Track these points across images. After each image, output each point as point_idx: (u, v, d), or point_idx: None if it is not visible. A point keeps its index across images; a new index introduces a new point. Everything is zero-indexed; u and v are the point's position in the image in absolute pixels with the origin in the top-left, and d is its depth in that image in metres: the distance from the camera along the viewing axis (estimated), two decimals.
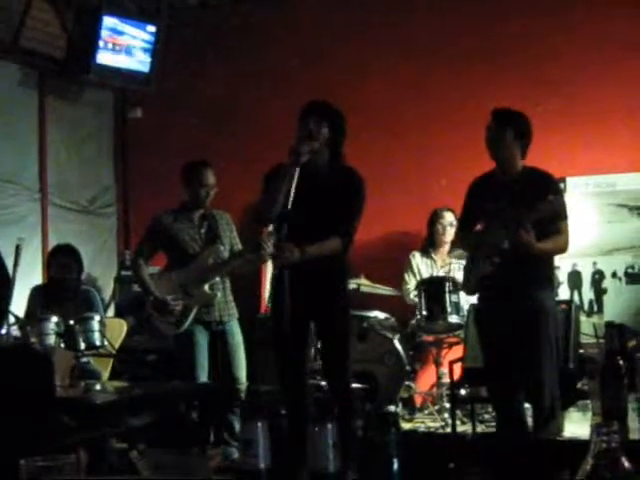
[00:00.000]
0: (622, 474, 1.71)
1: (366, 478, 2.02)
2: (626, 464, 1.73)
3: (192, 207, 6.90)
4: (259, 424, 2.06)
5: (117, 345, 7.31)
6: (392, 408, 7.31)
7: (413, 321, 7.83)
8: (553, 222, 5.56)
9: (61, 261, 7.44)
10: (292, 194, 5.32)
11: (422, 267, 8.27)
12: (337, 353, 5.69)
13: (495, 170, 5.79)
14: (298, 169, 5.37)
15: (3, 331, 5.82)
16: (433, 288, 7.55)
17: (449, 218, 8.04)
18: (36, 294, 7.39)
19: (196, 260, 6.81)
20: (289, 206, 5.29)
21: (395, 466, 1.91)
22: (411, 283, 8.19)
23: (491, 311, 5.74)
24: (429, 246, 8.33)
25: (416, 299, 7.75)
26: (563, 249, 5.74)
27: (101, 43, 8.84)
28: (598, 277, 8.42)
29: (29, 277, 7.65)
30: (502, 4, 8.87)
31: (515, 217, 5.42)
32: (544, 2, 8.76)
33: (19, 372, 2.88)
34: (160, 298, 6.75)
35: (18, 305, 7.08)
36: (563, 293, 8.36)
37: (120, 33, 8.99)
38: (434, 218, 8.25)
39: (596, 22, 8.53)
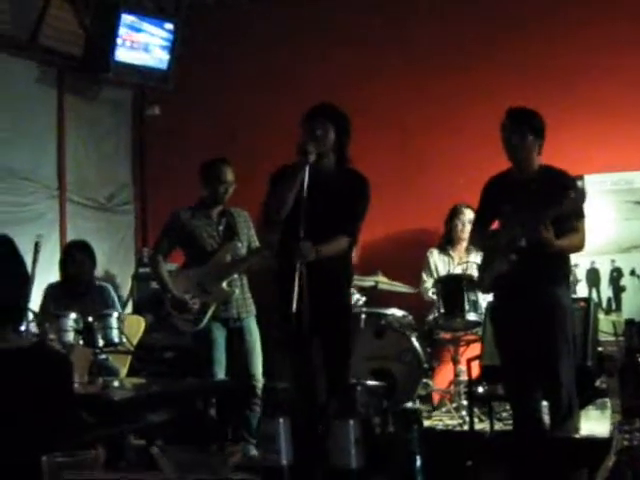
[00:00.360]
0: None
1: (388, 475, 2.02)
2: None
3: (210, 204, 6.91)
4: (280, 420, 2.06)
5: (135, 342, 7.32)
6: (410, 405, 7.32)
7: (430, 318, 7.82)
8: (570, 220, 5.56)
9: (76, 257, 7.48)
10: (305, 193, 5.36)
11: (439, 264, 8.27)
12: (338, 352, 5.70)
13: (511, 169, 5.78)
14: (307, 169, 5.42)
15: (22, 328, 5.84)
16: (451, 286, 7.55)
17: (469, 215, 8.02)
18: (51, 292, 7.42)
19: (214, 257, 6.82)
20: (302, 206, 5.34)
21: (418, 463, 1.92)
22: (429, 282, 8.19)
23: (507, 309, 5.73)
24: (447, 243, 8.33)
25: (434, 297, 7.75)
26: (579, 247, 5.74)
27: (119, 41, 8.86)
28: (616, 275, 8.40)
29: (47, 274, 7.68)
30: (509, 4, 8.85)
31: (534, 214, 5.41)
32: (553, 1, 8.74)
33: (38, 371, 2.89)
34: (178, 296, 6.77)
35: (36, 302, 7.11)
36: (581, 291, 8.34)
37: (138, 31, 9.01)
38: (453, 214, 8.25)
39: (611, 19, 8.50)
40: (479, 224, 6.04)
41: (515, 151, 5.65)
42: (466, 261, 7.98)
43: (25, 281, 3.13)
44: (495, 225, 6.01)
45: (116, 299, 7.61)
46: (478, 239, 6.16)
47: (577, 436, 3.69)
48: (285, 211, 5.52)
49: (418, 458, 1.93)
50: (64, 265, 7.56)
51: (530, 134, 5.63)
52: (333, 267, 5.60)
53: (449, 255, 8.28)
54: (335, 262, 5.61)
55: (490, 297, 6.41)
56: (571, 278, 7.88)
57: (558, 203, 5.42)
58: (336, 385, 5.62)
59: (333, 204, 5.57)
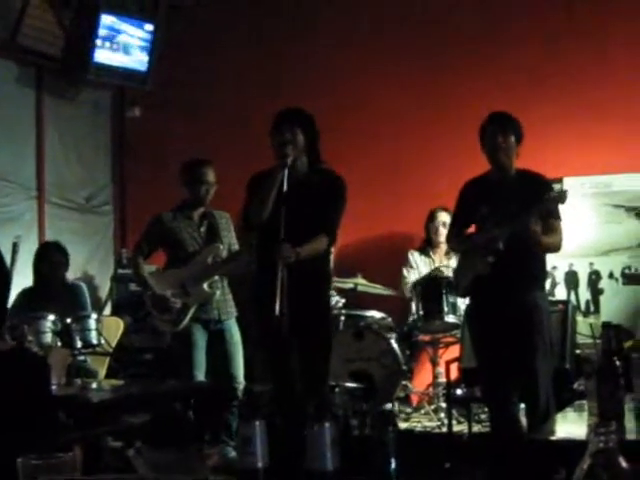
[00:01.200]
0: (619, 474, 1.71)
1: (365, 476, 2.03)
2: (623, 464, 1.73)
3: (192, 205, 6.91)
4: (257, 423, 2.06)
5: (114, 344, 7.30)
6: (389, 407, 7.32)
7: (410, 320, 7.83)
8: (548, 220, 5.59)
9: (53, 259, 7.45)
10: (283, 196, 5.43)
11: (420, 264, 8.29)
12: (317, 354, 5.70)
13: (489, 172, 5.79)
14: (286, 171, 5.47)
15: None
16: (430, 288, 7.56)
17: (443, 217, 8.05)
18: (24, 297, 7.38)
19: (195, 258, 6.81)
20: (282, 208, 5.38)
21: (393, 464, 1.92)
22: (410, 277, 8.21)
23: (484, 311, 5.75)
24: (427, 246, 8.35)
25: (414, 298, 7.77)
26: (558, 247, 5.77)
27: (99, 41, 8.84)
28: (595, 277, 8.43)
29: (25, 275, 7.65)
30: (501, 6, 8.88)
31: (519, 212, 5.44)
32: (543, 4, 8.76)
33: (15, 373, 2.88)
34: (159, 293, 6.76)
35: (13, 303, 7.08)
36: (560, 293, 8.37)
37: (118, 31, 8.99)
38: (429, 218, 8.29)
39: (593, 23, 8.54)
40: (456, 226, 6.05)
41: (498, 151, 5.67)
42: (446, 265, 7.99)
43: (5, 282, 3.13)
44: (472, 228, 6.03)
45: (88, 299, 7.59)
46: (455, 242, 6.18)
47: (555, 438, 3.70)
48: (265, 215, 5.55)
49: (393, 460, 1.93)
50: (38, 265, 7.51)
51: (513, 136, 5.67)
52: (312, 268, 5.61)
53: (430, 257, 8.31)
54: (314, 263, 5.62)
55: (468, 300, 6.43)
56: (549, 280, 7.93)
57: (541, 201, 5.47)
58: (314, 387, 5.62)
59: (310, 205, 5.60)
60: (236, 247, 6.96)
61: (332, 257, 6.45)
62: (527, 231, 5.45)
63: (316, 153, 5.77)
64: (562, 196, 5.53)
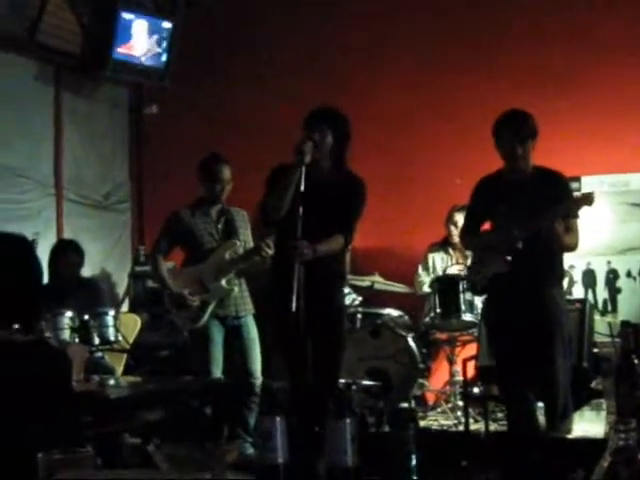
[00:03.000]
0: (639, 472, 1.71)
1: (383, 473, 2.03)
2: None
3: (209, 202, 6.91)
4: (277, 419, 2.07)
5: (131, 340, 7.33)
6: (405, 405, 7.32)
7: (427, 318, 7.83)
8: (566, 220, 5.57)
9: (70, 259, 7.46)
10: (301, 193, 5.41)
11: (437, 261, 8.28)
12: (331, 351, 5.71)
13: (504, 170, 5.74)
14: (303, 169, 5.44)
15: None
16: (447, 286, 7.55)
17: (457, 218, 7.99)
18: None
19: (213, 255, 6.82)
20: (299, 205, 5.37)
21: (413, 462, 1.92)
22: (424, 276, 8.21)
23: (502, 310, 5.72)
24: (447, 243, 8.31)
25: (428, 291, 7.78)
26: (576, 246, 5.74)
27: (117, 39, 8.86)
28: (612, 276, 8.41)
29: (44, 272, 7.66)
30: (515, 4, 8.86)
31: (538, 212, 5.42)
32: (556, 1, 8.75)
33: (37, 367, 2.89)
34: (177, 292, 6.77)
35: None
36: (577, 292, 8.36)
37: (136, 29, 9.01)
38: (447, 217, 8.25)
39: (609, 21, 8.52)
40: (470, 225, 6.01)
41: (517, 160, 5.61)
42: (463, 262, 7.97)
43: (35, 282, 3.15)
44: (486, 225, 6.00)
45: (105, 295, 7.61)
46: (468, 238, 6.14)
47: (572, 437, 3.70)
48: (282, 210, 5.54)
49: (414, 457, 1.93)
50: (54, 264, 7.49)
51: (530, 139, 5.61)
52: (327, 266, 5.61)
53: (448, 254, 8.29)
54: (329, 261, 5.63)
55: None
56: (567, 279, 7.92)
57: (566, 202, 5.46)
58: (327, 384, 5.63)
59: (329, 206, 5.59)
60: (252, 244, 6.97)
61: (348, 256, 6.44)
62: (550, 231, 5.42)
63: (341, 156, 5.75)
64: (590, 198, 5.48)
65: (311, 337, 5.57)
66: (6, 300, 2.98)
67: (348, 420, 2.02)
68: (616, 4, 8.54)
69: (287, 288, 5.30)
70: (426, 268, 8.30)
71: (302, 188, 5.43)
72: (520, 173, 5.65)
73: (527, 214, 5.47)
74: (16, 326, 2.94)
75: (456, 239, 8.03)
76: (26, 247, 3.13)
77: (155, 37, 9.18)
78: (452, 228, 8.11)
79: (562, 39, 8.63)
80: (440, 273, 8.05)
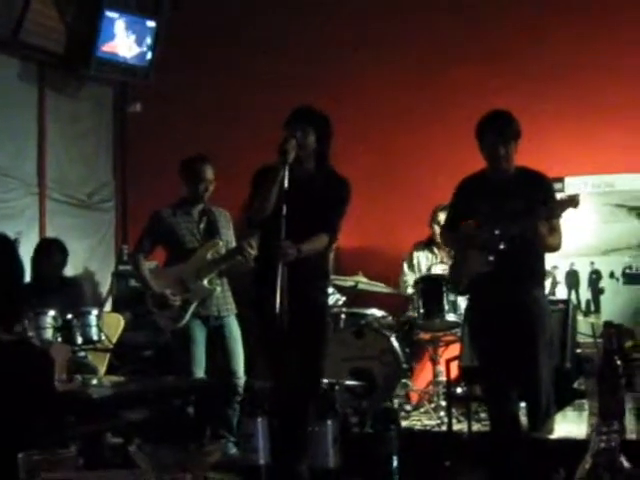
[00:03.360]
0: (621, 474, 1.71)
1: (365, 474, 2.03)
2: (625, 464, 1.73)
3: (191, 202, 6.91)
4: (259, 420, 2.06)
5: (114, 340, 7.30)
6: (388, 406, 7.32)
7: (410, 318, 7.84)
8: (549, 221, 5.58)
9: (53, 258, 7.44)
10: (285, 194, 5.42)
11: (422, 260, 8.28)
12: (313, 350, 5.71)
13: (486, 170, 5.74)
14: (286, 168, 5.45)
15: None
16: (431, 286, 7.56)
17: (440, 217, 7.99)
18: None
19: (195, 255, 6.81)
20: (283, 205, 5.37)
21: (395, 463, 1.92)
22: (409, 276, 8.21)
23: (485, 310, 5.73)
24: (432, 243, 8.31)
25: (412, 290, 7.78)
26: (558, 247, 5.75)
27: (101, 37, 8.84)
28: (595, 277, 8.44)
29: (26, 271, 7.64)
30: (504, 7, 8.88)
31: (525, 213, 5.42)
32: (543, 7, 8.76)
33: (19, 366, 2.87)
34: (159, 292, 6.76)
35: None
36: (560, 292, 8.37)
37: (120, 27, 8.99)
38: (431, 218, 8.25)
39: (595, 23, 8.54)
40: (451, 224, 6.01)
41: (500, 160, 5.62)
42: (447, 262, 7.97)
43: (19, 276, 3.13)
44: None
45: (86, 294, 7.59)
46: (448, 237, 6.14)
47: (554, 437, 3.70)
48: (267, 211, 5.54)
49: (395, 458, 1.93)
50: (37, 263, 7.46)
51: (513, 141, 5.62)
52: (311, 266, 5.61)
53: (433, 253, 8.29)
54: (313, 261, 5.63)
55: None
56: (550, 280, 7.93)
57: (552, 203, 5.47)
58: (310, 384, 5.63)
59: (313, 206, 5.59)
60: (234, 244, 6.96)
61: (331, 256, 6.44)
62: (533, 232, 5.43)
63: (324, 155, 5.76)
64: (575, 201, 5.48)
65: (294, 337, 5.57)
66: None
67: (330, 422, 2.01)
68: (606, 8, 8.55)
69: (271, 289, 5.30)
70: (411, 267, 8.31)
71: (286, 187, 5.44)
72: (503, 173, 5.65)
73: (509, 215, 5.48)
74: None
75: (437, 237, 8.04)
76: (7, 246, 3.12)
77: (139, 36, 9.16)
78: (436, 227, 8.10)
79: (550, 39, 8.64)
80: (425, 272, 8.06)
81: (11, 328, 3.02)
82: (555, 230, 5.61)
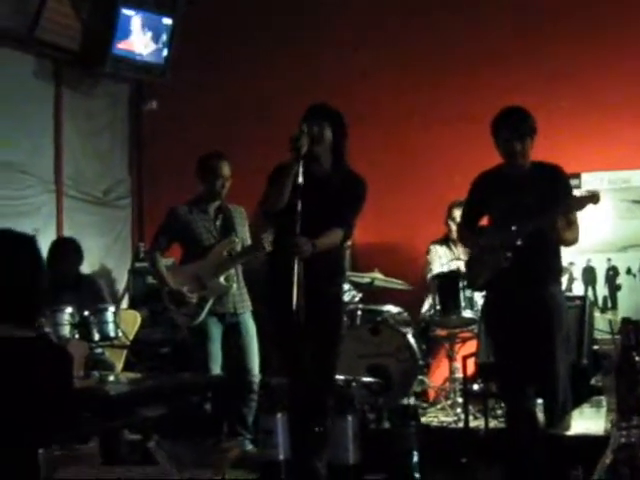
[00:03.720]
0: None
1: (385, 469, 2.03)
2: None
3: (208, 199, 6.91)
4: (278, 416, 2.06)
5: (131, 337, 7.32)
6: (407, 402, 7.32)
7: (427, 314, 7.83)
8: (567, 216, 5.56)
9: (69, 258, 7.45)
10: (299, 189, 5.45)
11: (442, 254, 8.27)
12: (328, 346, 5.72)
13: (502, 165, 5.72)
14: (300, 163, 5.49)
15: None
16: (447, 283, 7.54)
17: (456, 214, 7.96)
18: None
19: (211, 252, 6.82)
20: (297, 201, 5.39)
21: (415, 458, 1.92)
22: (434, 266, 8.16)
23: (502, 306, 5.71)
24: (449, 240, 8.30)
25: (430, 293, 7.76)
26: (576, 241, 5.72)
27: (117, 35, 8.85)
28: (612, 273, 8.41)
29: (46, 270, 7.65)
30: (512, 2, 8.86)
31: (543, 208, 5.40)
32: (556, 2, 8.74)
33: (39, 362, 2.89)
34: (176, 289, 6.77)
35: None
36: (577, 289, 8.35)
37: (136, 25, 9.00)
38: (447, 214, 8.24)
39: (610, 19, 8.52)
40: (468, 220, 6.00)
41: (516, 157, 5.60)
42: (465, 259, 7.95)
43: (39, 279, 3.16)
44: (484, 221, 5.99)
45: (104, 291, 7.59)
46: (467, 235, 6.12)
47: (572, 434, 3.69)
48: (281, 203, 5.56)
49: (415, 454, 1.93)
50: (52, 262, 7.45)
51: (529, 137, 5.60)
52: (326, 262, 5.63)
53: (450, 249, 8.27)
54: (328, 257, 5.64)
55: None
56: (567, 276, 7.91)
57: (571, 200, 5.46)
58: (326, 379, 5.64)
59: (329, 202, 5.61)
60: (249, 241, 6.97)
61: (347, 252, 6.44)
62: (551, 228, 5.41)
63: (341, 152, 5.79)
64: (596, 197, 5.43)
65: (309, 332, 5.57)
66: (10, 296, 2.99)
67: (350, 417, 2.02)
68: (617, 5, 8.53)
69: (286, 285, 5.31)
70: (434, 257, 8.27)
71: (300, 181, 5.46)
72: (519, 169, 5.64)
73: (526, 210, 5.46)
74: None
75: (453, 234, 8.03)
76: (31, 245, 3.16)
77: (155, 33, 9.18)
78: (452, 224, 8.09)
79: (562, 38, 8.61)
80: (445, 265, 8.06)
81: (31, 325, 3.04)
82: (573, 224, 5.59)
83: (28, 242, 3.16)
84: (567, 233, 5.52)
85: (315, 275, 5.47)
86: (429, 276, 8.12)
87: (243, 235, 6.98)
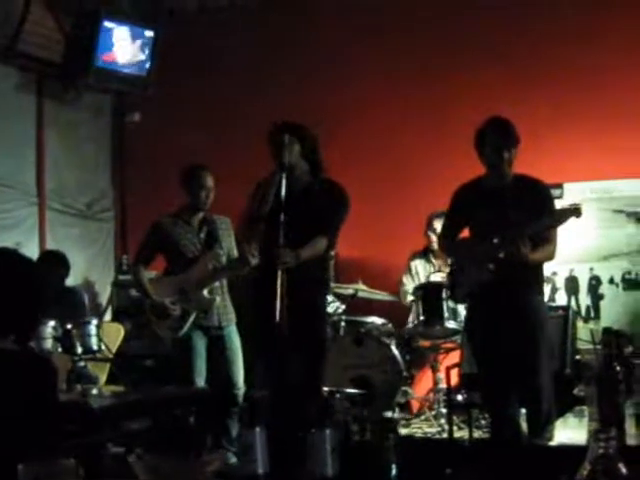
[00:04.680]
0: None
1: None
2: (623, 470, 1.73)
3: (192, 211, 6.90)
4: (258, 430, 2.06)
5: (114, 350, 7.30)
6: (389, 413, 7.31)
7: (409, 325, 7.83)
8: (548, 229, 5.58)
9: (59, 273, 7.44)
10: (283, 197, 5.50)
11: (420, 270, 8.28)
12: (312, 356, 5.73)
13: (485, 177, 5.74)
14: (284, 175, 5.55)
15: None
16: (430, 294, 7.55)
17: (437, 225, 7.97)
18: None
19: (195, 264, 6.80)
20: (281, 212, 5.42)
21: (393, 471, 1.92)
22: (409, 285, 8.20)
23: (484, 317, 5.72)
24: (429, 251, 8.32)
25: (413, 304, 7.76)
26: (551, 258, 5.74)
27: (99, 47, 8.84)
28: (595, 283, 8.43)
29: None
30: (498, 14, 8.88)
31: (514, 227, 5.42)
32: (540, 11, 8.76)
33: (22, 374, 2.88)
34: (158, 301, 6.75)
35: None
36: (560, 299, 8.37)
37: (118, 37, 9.00)
38: (427, 225, 8.25)
39: (594, 29, 8.54)
40: (448, 232, 6.01)
41: (503, 164, 5.62)
42: (446, 270, 7.96)
43: (35, 295, 3.18)
44: (465, 232, 6.01)
45: (86, 304, 7.58)
46: (447, 246, 6.15)
47: (555, 443, 3.70)
48: (265, 209, 5.59)
49: (394, 467, 1.93)
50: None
51: (514, 147, 5.62)
52: (310, 272, 5.64)
53: (430, 262, 8.29)
54: (312, 267, 5.65)
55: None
56: (550, 286, 7.93)
57: (553, 213, 5.47)
58: (309, 391, 5.64)
59: (310, 212, 5.64)
60: (234, 252, 6.95)
61: (332, 263, 6.44)
62: (514, 253, 5.42)
63: (317, 162, 5.83)
64: (578, 211, 5.45)
65: (292, 342, 5.58)
66: (6, 312, 3.01)
67: (328, 430, 2.02)
68: (599, 19, 8.56)
69: (270, 296, 5.31)
70: (410, 276, 8.31)
71: (283, 193, 5.49)
72: (500, 180, 5.65)
73: (508, 223, 5.48)
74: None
75: (436, 246, 8.03)
76: (26, 262, 3.20)
77: (138, 45, 9.17)
78: (432, 235, 8.11)
79: (549, 47, 8.64)
80: (424, 281, 8.06)
81: (27, 340, 3.07)
82: (550, 240, 5.60)
83: (23, 262, 3.20)
84: (537, 253, 5.52)
85: (299, 285, 5.48)
86: (404, 296, 8.16)
87: (229, 245, 6.96)
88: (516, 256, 5.40)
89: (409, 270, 8.33)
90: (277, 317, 5.27)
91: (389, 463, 1.95)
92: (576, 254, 8.16)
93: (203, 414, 6.50)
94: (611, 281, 8.41)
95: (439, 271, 8.04)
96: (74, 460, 2.34)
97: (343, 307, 8.07)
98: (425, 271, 8.25)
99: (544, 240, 5.56)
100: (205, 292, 6.77)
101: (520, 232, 5.40)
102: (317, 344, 5.78)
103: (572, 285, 8.46)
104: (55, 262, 7.51)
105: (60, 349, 6.29)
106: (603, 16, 8.53)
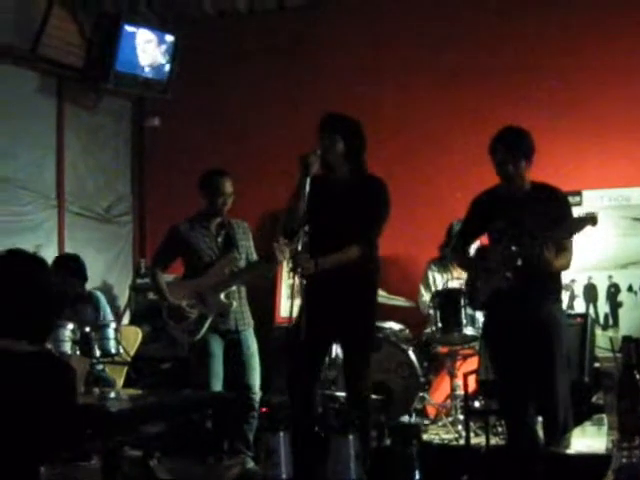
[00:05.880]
0: None
1: None
2: None
3: (210, 215, 6.91)
4: (281, 434, 2.06)
5: (132, 353, 7.32)
6: (406, 419, 7.31)
7: (427, 330, 7.82)
8: (565, 238, 5.56)
9: (75, 275, 7.46)
10: (305, 203, 5.54)
11: (437, 278, 8.26)
12: (355, 363, 5.74)
13: (501, 186, 5.73)
14: (309, 179, 5.54)
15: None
16: (449, 300, 7.54)
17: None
18: None
19: (213, 269, 6.81)
20: (305, 216, 5.44)
21: (417, 477, 1.92)
22: (426, 295, 8.18)
23: (502, 324, 5.71)
24: (446, 259, 8.30)
25: (431, 311, 7.75)
26: (567, 266, 5.73)
27: (120, 51, 8.88)
28: (614, 291, 8.41)
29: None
30: (516, 21, 8.87)
31: (537, 233, 5.40)
32: (556, 21, 8.76)
33: (42, 378, 2.89)
34: (175, 304, 6.76)
35: None
36: (579, 306, 8.35)
37: (139, 42, 9.03)
38: (447, 232, 8.24)
39: (607, 39, 8.53)
40: (463, 238, 6.01)
41: (510, 177, 5.62)
42: (462, 277, 7.96)
43: (50, 299, 3.19)
44: (480, 241, 6.01)
45: (106, 307, 7.59)
46: (456, 255, 6.14)
47: (572, 452, 3.69)
48: (295, 222, 5.60)
49: (417, 473, 1.93)
50: (56, 277, 7.45)
51: (524, 159, 5.60)
52: (350, 273, 5.62)
53: (448, 270, 8.26)
54: (355, 269, 5.64)
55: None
56: (568, 294, 7.91)
57: (571, 221, 5.45)
58: (355, 393, 5.68)
59: (349, 214, 5.63)
60: (254, 256, 6.95)
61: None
62: (540, 258, 5.40)
63: (358, 161, 5.82)
64: (594, 219, 5.43)
65: (341, 342, 5.83)
66: (22, 315, 3.03)
67: (352, 436, 2.02)
68: (616, 26, 8.54)
69: (315, 302, 5.41)
70: (427, 286, 8.28)
71: (306, 199, 5.50)
72: (516, 189, 5.65)
73: (526, 231, 5.47)
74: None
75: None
76: (41, 265, 3.21)
77: (158, 50, 9.20)
78: (448, 240, 8.11)
79: (564, 54, 8.63)
80: (441, 287, 8.05)
81: (43, 342, 3.08)
82: (566, 249, 5.59)
83: (40, 263, 3.21)
84: (557, 261, 5.51)
85: (345, 286, 5.57)
86: (422, 305, 8.16)
87: (247, 250, 6.95)
88: (542, 260, 5.38)
89: (426, 279, 8.31)
90: (302, 337, 5.34)
91: (412, 469, 1.95)
92: (595, 262, 8.14)
93: (220, 418, 6.50)
94: (630, 289, 8.38)
95: (457, 278, 8.02)
96: (94, 463, 2.35)
97: None
98: (442, 279, 8.23)
99: (561, 249, 5.55)
100: (222, 296, 6.77)
101: (543, 239, 5.38)
102: (363, 344, 5.80)
103: (590, 293, 8.44)
104: (69, 266, 7.52)
105: (78, 352, 6.31)
106: (624, 29, 8.52)
